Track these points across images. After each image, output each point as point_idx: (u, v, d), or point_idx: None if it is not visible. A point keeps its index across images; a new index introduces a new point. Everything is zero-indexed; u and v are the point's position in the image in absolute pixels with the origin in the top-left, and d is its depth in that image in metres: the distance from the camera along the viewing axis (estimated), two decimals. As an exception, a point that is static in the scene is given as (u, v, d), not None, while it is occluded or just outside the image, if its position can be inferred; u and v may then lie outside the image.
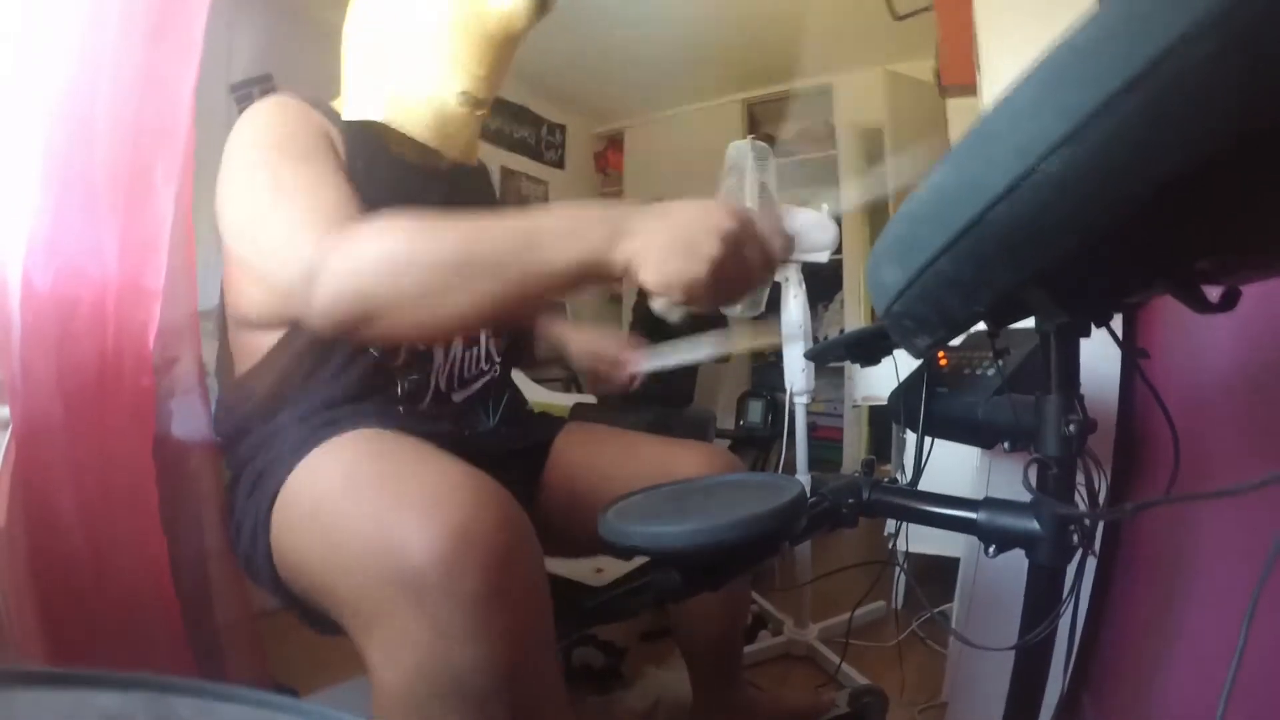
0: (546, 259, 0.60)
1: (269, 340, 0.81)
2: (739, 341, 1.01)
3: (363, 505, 0.62)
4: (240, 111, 0.79)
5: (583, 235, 0.60)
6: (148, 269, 0.82)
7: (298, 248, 0.65)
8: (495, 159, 3.43)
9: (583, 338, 1.07)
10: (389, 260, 0.61)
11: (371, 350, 0.83)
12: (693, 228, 0.59)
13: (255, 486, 0.76)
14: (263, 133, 0.77)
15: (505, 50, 0.87)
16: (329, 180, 0.74)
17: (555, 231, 0.61)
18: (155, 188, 0.81)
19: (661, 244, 0.58)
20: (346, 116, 0.85)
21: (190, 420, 0.96)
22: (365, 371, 0.83)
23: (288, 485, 0.71)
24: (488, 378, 0.97)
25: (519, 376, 1.11)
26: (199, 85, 0.88)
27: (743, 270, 0.60)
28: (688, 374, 2.81)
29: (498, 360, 1.00)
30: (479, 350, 0.95)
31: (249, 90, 2.08)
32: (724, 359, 0.91)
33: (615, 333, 1.07)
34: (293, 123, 0.79)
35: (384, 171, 0.85)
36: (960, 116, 2.02)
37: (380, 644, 0.57)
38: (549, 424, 1.06)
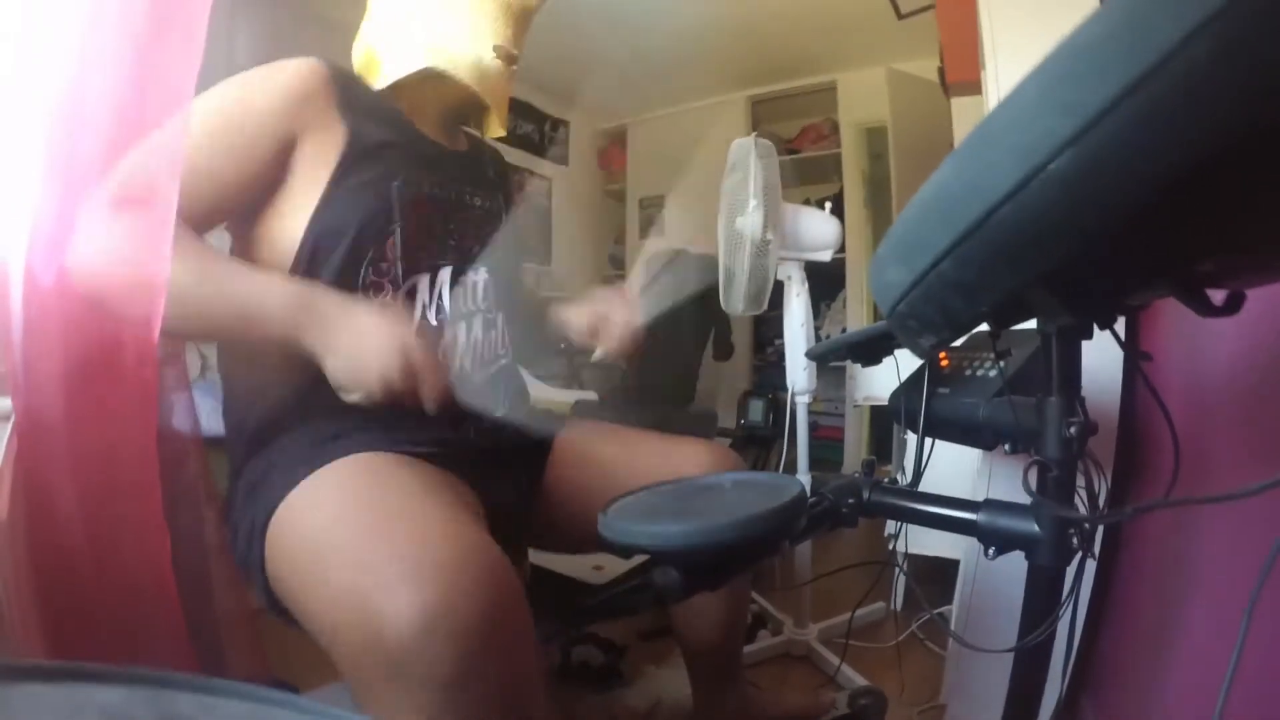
0: (255, 325, 0.72)
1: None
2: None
3: (348, 562, 0.61)
4: None
5: (289, 321, 0.71)
6: (151, 265, 0.82)
7: (118, 189, 0.73)
8: (498, 156, 3.43)
9: (580, 310, 1.04)
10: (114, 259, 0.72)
11: None
12: (369, 348, 0.71)
13: (252, 493, 0.77)
14: (240, 79, 0.81)
15: (526, 15, 0.94)
16: (230, 159, 0.77)
17: (267, 310, 0.72)
18: (158, 188, 0.81)
19: (345, 353, 0.72)
20: (388, 74, 0.88)
21: (189, 415, 0.96)
22: None
23: (285, 505, 0.71)
24: (504, 361, 0.98)
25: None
26: (201, 82, 0.87)
27: (411, 383, 0.72)
28: (689, 374, 2.81)
29: (509, 348, 1.01)
30: (496, 334, 0.96)
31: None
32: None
33: (610, 291, 1.04)
34: (254, 91, 0.80)
35: (390, 130, 0.87)
36: (964, 115, 2.01)
37: (370, 707, 0.57)
38: (551, 421, 1.06)
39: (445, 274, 0.88)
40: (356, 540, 0.63)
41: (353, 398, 0.73)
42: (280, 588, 0.71)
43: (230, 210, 0.81)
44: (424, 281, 0.86)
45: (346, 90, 0.84)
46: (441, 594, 0.55)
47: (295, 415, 0.81)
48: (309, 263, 0.80)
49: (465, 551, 0.60)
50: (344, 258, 0.80)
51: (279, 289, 0.73)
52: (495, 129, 1.00)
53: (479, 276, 0.93)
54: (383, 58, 0.89)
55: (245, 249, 0.85)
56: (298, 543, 0.68)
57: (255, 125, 0.78)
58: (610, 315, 0.99)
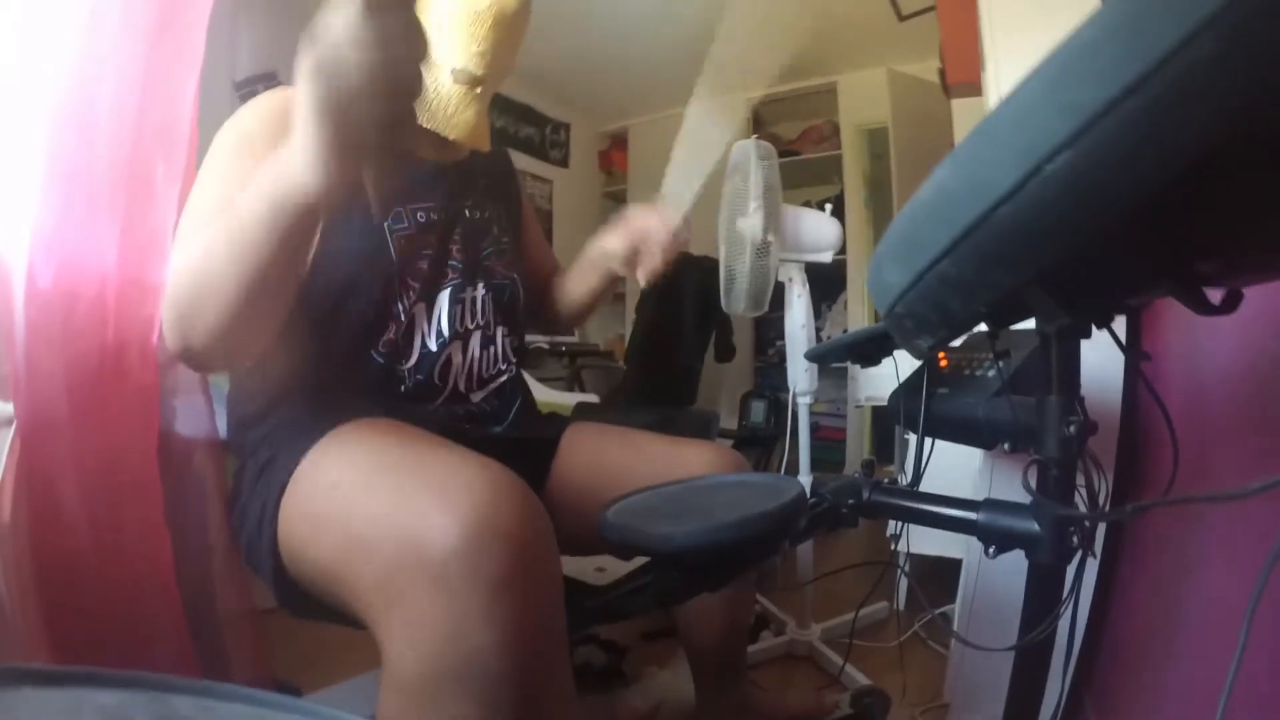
0: (286, 216, 0.57)
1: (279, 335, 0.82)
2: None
3: (382, 490, 0.62)
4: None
5: (277, 189, 0.57)
6: (151, 265, 0.82)
7: (169, 283, 0.67)
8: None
9: (616, 236, 1.00)
10: (176, 276, 0.64)
11: (375, 355, 0.84)
12: (329, 54, 0.48)
13: (262, 474, 0.76)
14: (229, 131, 0.77)
15: (501, 30, 0.85)
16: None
17: (257, 207, 0.58)
18: (158, 185, 0.81)
19: (306, 119, 0.52)
20: None
21: (194, 417, 0.96)
22: (371, 367, 0.84)
23: (299, 473, 0.71)
24: (505, 378, 0.97)
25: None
26: (203, 83, 0.88)
27: (387, 59, 0.49)
28: (690, 375, 2.81)
29: (513, 360, 1.00)
30: (495, 350, 0.95)
31: (253, 88, 2.08)
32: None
33: (637, 208, 1.00)
34: (262, 122, 0.78)
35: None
36: (965, 116, 2.01)
37: (399, 626, 0.57)
38: (555, 423, 1.06)
39: (444, 296, 0.88)
40: (388, 475, 0.64)
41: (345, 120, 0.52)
42: (297, 550, 0.70)
43: None
44: (421, 308, 0.86)
45: None
46: (487, 508, 0.57)
47: (296, 394, 0.81)
48: (303, 305, 0.78)
49: (502, 482, 0.61)
50: (343, 307, 0.81)
51: (250, 194, 0.61)
52: (477, 147, 0.97)
53: (477, 292, 0.92)
54: None
55: None
56: (322, 493, 0.68)
57: (261, 155, 0.76)
58: (647, 229, 0.97)
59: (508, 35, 0.87)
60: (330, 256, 0.79)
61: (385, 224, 0.83)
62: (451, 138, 0.89)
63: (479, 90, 0.88)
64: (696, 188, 1.01)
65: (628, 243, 0.99)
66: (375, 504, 0.62)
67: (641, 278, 0.98)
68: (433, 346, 0.87)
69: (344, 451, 0.70)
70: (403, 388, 0.86)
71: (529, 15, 0.89)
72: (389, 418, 0.78)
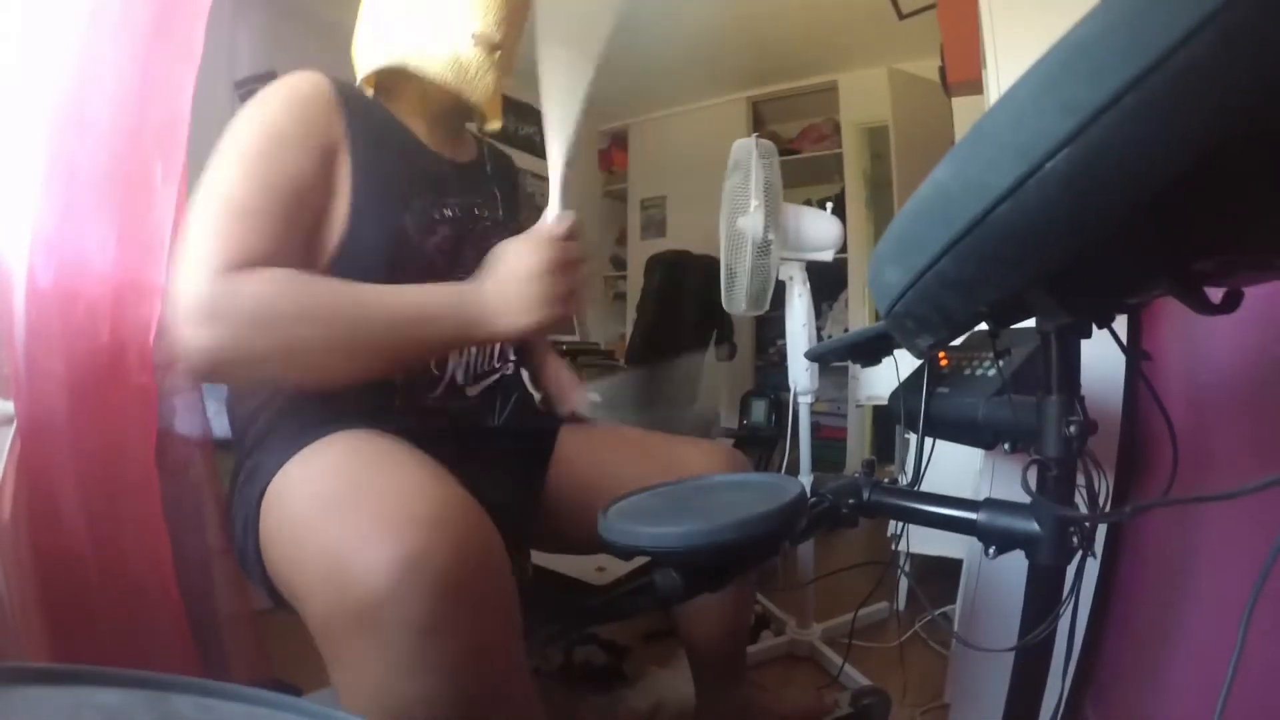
0: (421, 338, 0.74)
1: None
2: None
3: (328, 526, 0.60)
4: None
5: (450, 319, 0.73)
6: (150, 265, 0.83)
7: (199, 278, 0.67)
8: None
9: (550, 371, 1.12)
10: (266, 310, 0.66)
11: None
12: (518, 281, 0.73)
13: (248, 480, 0.76)
14: (246, 122, 0.76)
15: None
16: (280, 180, 0.74)
17: (427, 314, 0.73)
18: (156, 185, 0.81)
19: (509, 315, 0.73)
20: (363, 67, 0.88)
21: (190, 417, 0.96)
22: None
23: (272, 487, 0.70)
24: (500, 374, 0.97)
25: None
26: (202, 83, 0.88)
27: (568, 283, 0.75)
28: (691, 374, 2.81)
29: (511, 359, 1.00)
30: (493, 347, 0.95)
31: (252, 87, 2.07)
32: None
33: (572, 376, 1.12)
34: (294, 119, 0.78)
35: (397, 155, 0.86)
36: (966, 115, 2.02)
37: (339, 670, 0.56)
38: (553, 420, 1.06)
39: None
40: (335, 507, 0.62)
41: (547, 331, 0.78)
42: (274, 572, 0.70)
43: (297, 240, 0.77)
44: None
45: (350, 106, 0.83)
46: (414, 543, 0.54)
47: (292, 406, 0.81)
48: None
49: (440, 504, 0.59)
50: None
51: (436, 295, 0.75)
52: (490, 123, 0.99)
53: None
54: (362, 48, 0.89)
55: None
56: (284, 520, 0.67)
57: (297, 143, 0.76)
58: (560, 393, 1.08)
59: (520, 4, 0.90)
60: (355, 246, 0.79)
61: (408, 219, 0.83)
62: (473, 100, 0.89)
63: (497, 55, 0.89)
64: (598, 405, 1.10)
65: (548, 383, 1.11)
66: (316, 540, 0.60)
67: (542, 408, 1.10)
68: None
69: (307, 475, 0.69)
70: (396, 379, 0.85)
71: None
72: (376, 418, 0.78)
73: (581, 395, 1.06)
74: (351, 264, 0.79)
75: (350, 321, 0.70)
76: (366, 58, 0.88)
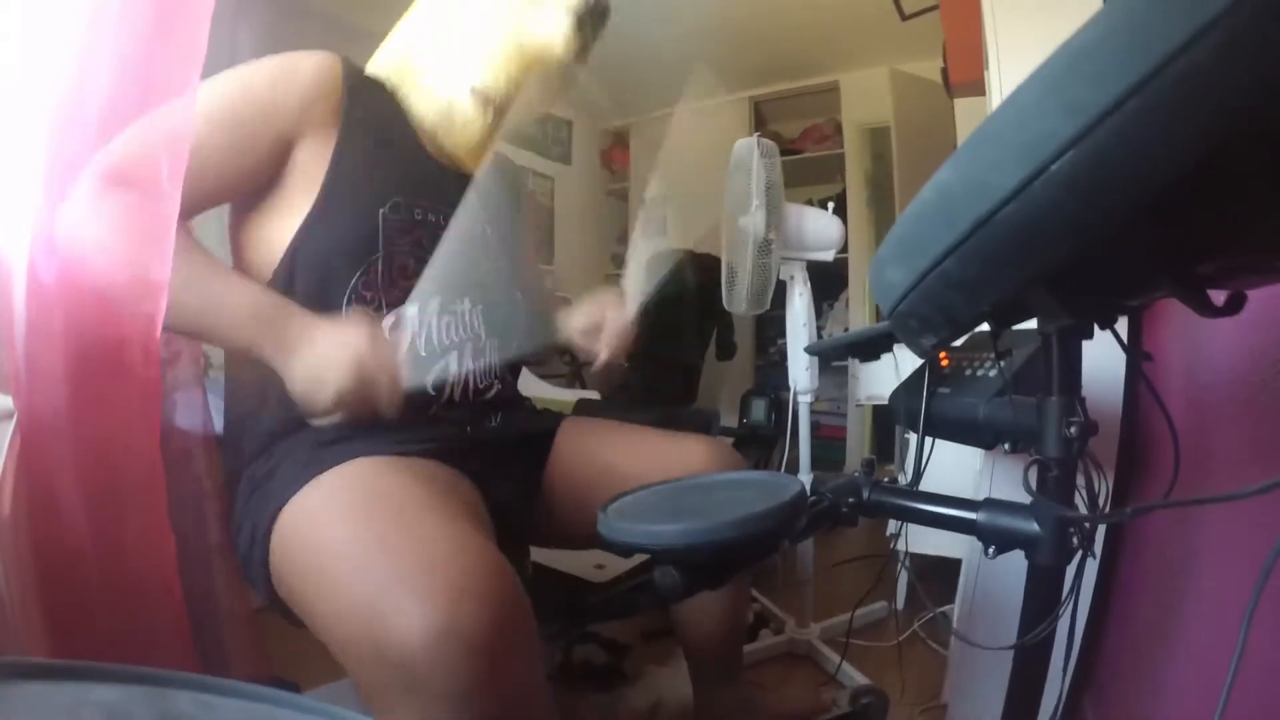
0: (219, 331, 0.76)
1: None
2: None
3: (356, 575, 0.61)
4: None
5: (252, 332, 0.74)
6: (154, 262, 0.82)
7: (111, 163, 0.74)
8: (501, 155, 3.44)
9: (578, 314, 1.05)
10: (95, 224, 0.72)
11: None
12: (324, 363, 0.72)
13: (254, 494, 0.77)
14: (233, 83, 0.79)
15: (534, 70, 0.88)
16: (209, 135, 0.75)
17: (233, 317, 0.74)
18: (162, 184, 0.81)
19: (301, 370, 0.73)
20: (374, 66, 0.89)
21: (191, 413, 0.96)
22: None
23: (288, 510, 0.71)
24: (495, 391, 0.96)
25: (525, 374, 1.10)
26: (203, 80, 0.88)
27: (367, 393, 0.73)
28: (691, 373, 2.81)
29: (508, 377, 0.99)
30: (485, 363, 0.93)
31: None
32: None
33: (605, 293, 1.06)
34: (264, 82, 0.79)
35: (389, 151, 0.86)
36: (968, 116, 2.01)
37: (376, 710, 0.58)
38: (551, 418, 1.06)
39: (435, 303, 0.87)
40: (361, 554, 0.62)
41: (315, 417, 0.76)
42: (285, 591, 0.71)
43: (222, 198, 0.81)
44: (414, 311, 0.85)
45: (355, 97, 0.83)
46: (448, 609, 0.55)
47: (299, 416, 0.81)
48: (287, 281, 0.80)
49: (472, 565, 0.59)
50: (323, 283, 0.80)
51: (247, 299, 0.75)
52: (466, 167, 0.96)
53: (464, 306, 0.91)
54: (376, 56, 0.91)
55: (238, 246, 0.85)
56: (302, 551, 0.68)
57: (259, 119, 0.78)
58: (606, 318, 1.01)
59: (541, 80, 0.90)
60: (318, 228, 0.80)
61: (381, 210, 0.83)
62: (446, 148, 0.90)
63: (488, 113, 0.88)
64: (649, 290, 1.07)
65: (587, 326, 1.03)
66: (348, 588, 0.61)
67: (597, 363, 1.03)
68: (421, 350, 0.86)
69: (331, 506, 0.70)
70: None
71: (571, 78, 0.93)
72: (387, 441, 0.78)
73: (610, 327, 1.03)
74: (310, 245, 0.79)
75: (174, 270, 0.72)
76: (381, 60, 0.90)
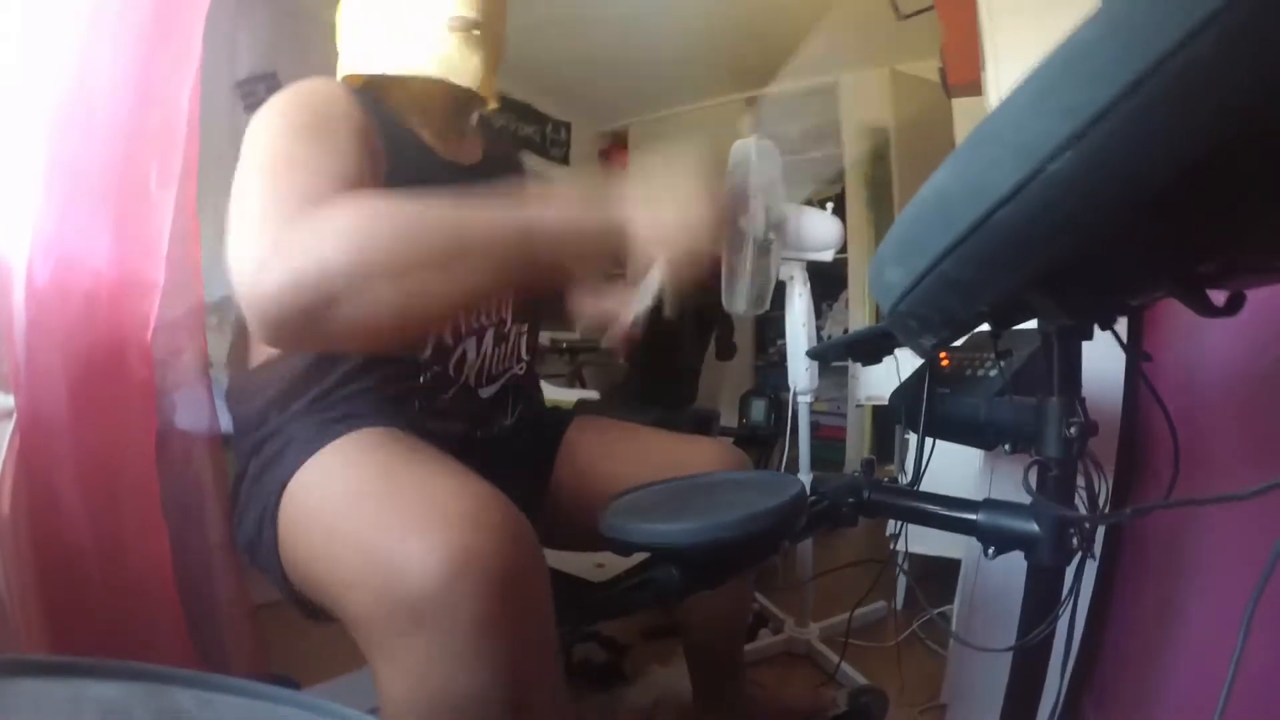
0: (542, 231, 0.63)
1: None
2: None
3: (365, 520, 0.61)
4: (246, 109, 0.79)
5: (578, 207, 0.65)
6: (148, 263, 0.83)
7: (258, 233, 0.61)
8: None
9: (590, 303, 1.04)
10: (358, 229, 0.57)
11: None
12: (676, 200, 0.65)
13: (264, 473, 0.76)
14: (277, 109, 0.74)
15: None
16: (329, 160, 0.69)
17: (547, 208, 0.63)
18: (153, 186, 0.82)
19: (654, 197, 0.65)
20: (346, 70, 0.87)
21: (194, 413, 0.96)
22: (386, 362, 0.83)
23: (296, 480, 0.70)
24: (513, 373, 0.96)
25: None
26: (203, 83, 0.88)
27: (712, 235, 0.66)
28: (691, 373, 2.81)
29: (526, 359, 0.99)
30: (507, 346, 0.94)
31: (253, 87, 2.08)
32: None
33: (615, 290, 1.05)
34: (317, 102, 0.76)
35: (405, 158, 0.85)
36: (966, 116, 2.01)
37: (384, 662, 0.57)
38: (558, 419, 1.06)
39: None
40: (371, 502, 0.63)
41: (652, 281, 0.68)
42: (293, 564, 0.70)
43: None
44: None
45: (365, 108, 0.82)
46: (463, 540, 0.55)
47: (304, 402, 0.81)
48: None
49: (482, 502, 0.60)
50: None
51: (544, 192, 0.67)
52: (488, 105, 0.95)
53: None
54: (345, 61, 0.87)
55: None
56: (311, 513, 0.68)
57: (329, 128, 0.74)
58: (613, 311, 1.00)
59: None
60: None
61: None
62: (464, 85, 0.87)
63: (477, 33, 0.86)
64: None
65: (598, 312, 1.01)
66: (358, 535, 0.61)
67: (606, 342, 1.01)
68: (448, 339, 0.86)
69: (336, 469, 0.69)
70: (421, 378, 0.85)
71: None
72: (399, 414, 0.78)
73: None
74: None
75: (452, 229, 0.60)
76: (352, 68, 0.87)
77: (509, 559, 0.56)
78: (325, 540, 0.65)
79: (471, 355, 0.89)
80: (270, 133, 0.72)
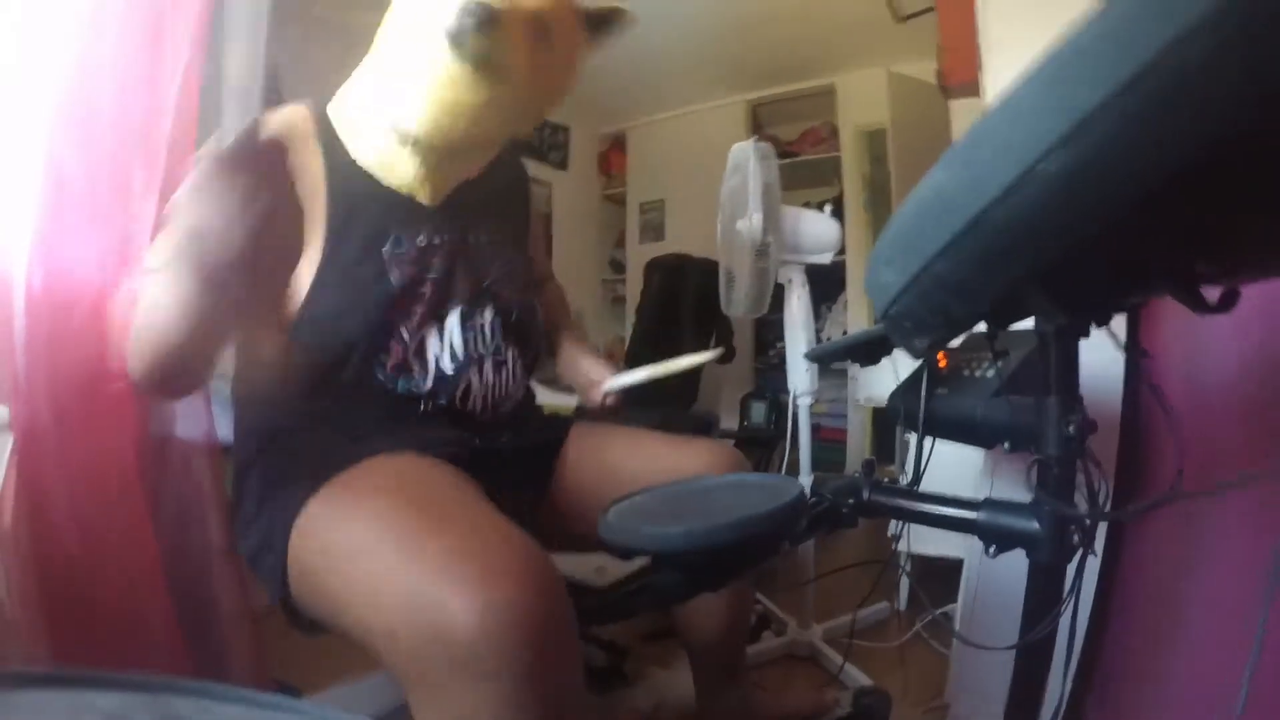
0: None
1: (285, 342, 0.81)
2: (686, 359, 1.04)
3: (401, 559, 0.61)
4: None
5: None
6: (132, 272, 0.83)
7: None
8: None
9: (573, 360, 1.11)
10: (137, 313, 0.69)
11: (380, 377, 0.82)
12: None
13: (268, 492, 0.76)
14: (207, 147, 0.70)
15: (450, 95, 0.76)
16: (198, 214, 0.66)
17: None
18: (136, 194, 0.82)
19: None
20: (336, 101, 0.87)
21: (191, 420, 0.96)
22: (380, 389, 0.83)
23: (309, 512, 0.70)
24: (515, 400, 0.96)
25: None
26: (202, 85, 0.88)
27: None
28: (691, 374, 2.81)
29: (525, 381, 0.99)
30: (507, 372, 0.92)
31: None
32: (692, 371, 0.95)
33: (600, 362, 1.10)
34: (238, 147, 0.68)
35: (376, 190, 0.84)
36: (964, 118, 2.01)
37: (424, 703, 0.58)
38: (558, 424, 1.06)
39: (454, 318, 0.87)
40: (404, 540, 0.63)
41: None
42: (307, 591, 0.70)
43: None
44: (433, 331, 0.85)
45: (329, 141, 0.83)
46: (505, 589, 0.56)
47: (311, 418, 0.81)
48: (310, 339, 0.79)
49: (518, 549, 0.61)
50: (346, 334, 0.80)
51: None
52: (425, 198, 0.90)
53: (486, 318, 0.90)
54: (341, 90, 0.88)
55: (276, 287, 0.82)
56: (330, 549, 0.68)
57: (241, 177, 0.71)
58: (593, 383, 1.06)
59: (457, 104, 0.77)
60: (327, 281, 0.79)
61: (383, 249, 0.82)
62: (393, 186, 0.85)
63: (417, 151, 0.82)
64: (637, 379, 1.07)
65: (582, 380, 1.09)
66: (395, 575, 0.61)
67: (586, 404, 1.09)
68: (448, 370, 0.85)
69: (361, 500, 0.69)
70: (421, 408, 0.85)
71: (505, 108, 0.81)
72: (405, 443, 0.78)
73: (610, 383, 1.05)
74: (324, 291, 0.79)
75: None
76: (339, 107, 0.87)
77: (548, 610, 0.58)
78: (357, 576, 0.65)
79: (476, 384, 0.88)
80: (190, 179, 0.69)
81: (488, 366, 0.90)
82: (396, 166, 0.84)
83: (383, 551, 0.63)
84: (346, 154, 0.84)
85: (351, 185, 0.83)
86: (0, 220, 0.76)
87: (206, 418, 0.98)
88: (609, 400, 1.05)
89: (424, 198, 0.87)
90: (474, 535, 0.62)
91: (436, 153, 0.83)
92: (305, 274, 0.80)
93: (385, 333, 0.82)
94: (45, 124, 0.78)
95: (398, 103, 0.79)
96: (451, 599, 0.56)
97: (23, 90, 0.77)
